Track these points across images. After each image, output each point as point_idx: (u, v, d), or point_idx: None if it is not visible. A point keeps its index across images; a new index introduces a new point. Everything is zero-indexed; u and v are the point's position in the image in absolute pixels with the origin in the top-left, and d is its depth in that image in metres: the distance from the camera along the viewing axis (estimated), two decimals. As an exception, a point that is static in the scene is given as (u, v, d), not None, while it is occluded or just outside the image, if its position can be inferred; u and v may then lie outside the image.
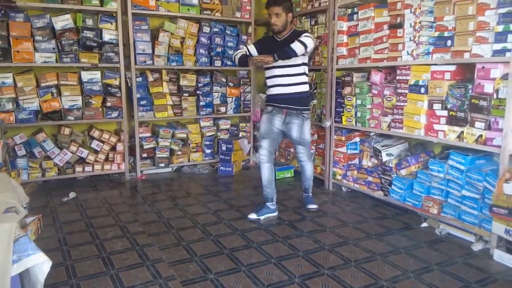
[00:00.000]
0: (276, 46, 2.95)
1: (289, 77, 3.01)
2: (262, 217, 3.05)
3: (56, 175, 3.94)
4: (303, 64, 3.04)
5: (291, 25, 3.10)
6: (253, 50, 3.13)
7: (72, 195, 3.57)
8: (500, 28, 2.40)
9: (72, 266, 2.31)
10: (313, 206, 3.26)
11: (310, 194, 3.36)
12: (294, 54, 2.86)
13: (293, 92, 3.03)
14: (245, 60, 3.04)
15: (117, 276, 2.20)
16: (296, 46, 2.85)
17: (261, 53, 3.04)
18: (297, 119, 3.05)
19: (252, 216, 3.05)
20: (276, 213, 3.14)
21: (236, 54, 3.16)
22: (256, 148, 5.03)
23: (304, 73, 3.07)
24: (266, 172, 3.10)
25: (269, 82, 3.12)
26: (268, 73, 3.11)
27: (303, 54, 2.94)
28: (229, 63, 4.61)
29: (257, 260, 2.40)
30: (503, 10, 2.38)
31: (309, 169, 3.26)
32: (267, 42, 3.20)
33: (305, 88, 3.09)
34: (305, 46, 2.87)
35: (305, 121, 3.08)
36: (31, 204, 3.03)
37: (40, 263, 1.47)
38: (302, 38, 2.88)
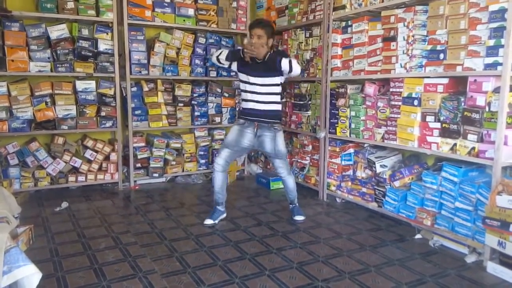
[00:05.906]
0: (258, 66, 3.01)
1: (266, 95, 3.07)
2: (217, 221, 3.18)
3: (49, 185, 3.90)
4: (281, 84, 3.12)
5: (269, 49, 3.09)
6: (234, 64, 3.18)
7: (64, 205, 3.53)
8: (491, 42, 2.44)
9: (63, 277, 2.28)
10: (300, 218, 3.27)
11: (296, 204, 3.38)
12: (296, 70, 2.94)
13: (267, 109, 3.09)
14: (237, 53, 3.05)
15: (109, 288, 2.18)
16: (297, 65, 2.95)
17: (242, 69, 3.11)
18: (269, 131, 3.09)
19: (209, 221, 3.14)
20: (225, 214, 3.28)
21: (219, 53, 3.15)
22: (250, 158, 5.04)
23: (279, 93, 3.14)
24: (220, 179, 3.18)
25: (246, 96, 3.13)
26: (246, 87, 3.12)
27: (282, 75, 3.04)
28: (224, 73, 4.63)
29: (251, 272, 2.38)
30: (494, 25, 2.42)
31: (290, 183, 3.30)
32: (245, 61, 3.07)
33: (279, 107, 3.16)
34: (299, 69, 2.98)
35: (277, 133, 3.13)
36: (23, 214, 3.00)
37: (30, 275, 1.46)
38: (294, 63, 2.92)
